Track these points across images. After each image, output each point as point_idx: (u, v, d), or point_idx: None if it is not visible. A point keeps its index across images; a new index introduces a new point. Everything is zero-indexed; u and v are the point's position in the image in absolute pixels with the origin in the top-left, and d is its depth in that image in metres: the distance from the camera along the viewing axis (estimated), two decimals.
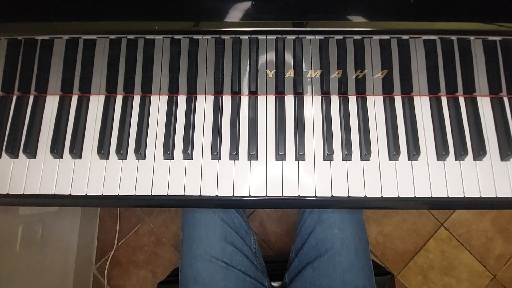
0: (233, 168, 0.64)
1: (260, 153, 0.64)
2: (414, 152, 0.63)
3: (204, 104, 0.67)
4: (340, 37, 0.54)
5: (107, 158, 0.65)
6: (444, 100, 0.67)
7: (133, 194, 0.63)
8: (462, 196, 0.62)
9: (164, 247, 1.43)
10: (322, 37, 0.54)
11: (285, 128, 0.65)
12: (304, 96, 0.67)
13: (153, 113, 0.67)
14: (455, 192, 0.62)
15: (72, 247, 1.25)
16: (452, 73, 0.61)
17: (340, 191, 0.62)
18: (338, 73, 0.61)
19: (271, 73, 0.62)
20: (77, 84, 0.66)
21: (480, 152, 0.63)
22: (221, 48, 0.57)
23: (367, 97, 0.67)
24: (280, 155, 0.63)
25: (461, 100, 0.67)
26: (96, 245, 1.43)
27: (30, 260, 1.00)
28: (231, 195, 0.63)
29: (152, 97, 0.68)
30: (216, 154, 0.63)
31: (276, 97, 0.67)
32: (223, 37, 0.55)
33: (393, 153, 0.63)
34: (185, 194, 0.63)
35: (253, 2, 0.52)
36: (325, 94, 0.67)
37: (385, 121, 0.66)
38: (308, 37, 0.55)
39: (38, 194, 0.63)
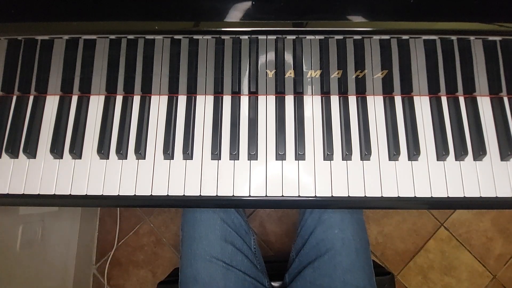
0: (233, 168, 0.64)
1: (260, 153, 0.64)
2: (414, 152, 0.63)
3: (204, 104, 0.67)
4: (340, 37, 0.54)
5: (107, 158, 0.65)
6: (444, 100, 0.67)
7: (133, 194, 0.63)
8: (462, 196, 0.62)
9: (164, 247, 1.43)
10: (322, 37, 0.54)
11: (285, 128, 0.65)
12: (304, 96, 0.67)
13: (153, 113, 0.67)
14: (455, 192, 0.62)
15: (72, 247, 1.25)
16: (452, 73, 0.61)
17: (340, 191, 0.62)
18: (338, 73, 0.61)
19: (271, 73, 0.62)
20: (77, 84, 0.66)
21: (480, 152, 0.63)
22: (221, 48, 0.57)
23: (367, 97, 0.67)
24: (280, 155, 0.63)
25: (461, 100, 0.67)
26: (96, 245, 1.43)
27: (30, 260, 1.00)
28: (231, 195, 0.63)
29: (152, 97, 0.68)
30: (216, 154, 0.63)
31: (276, 97, 0.67)
32: (223, 37, 0.55)
33: (393, 153, 0.63)
34: (185, 194, 0.63)
35: (253, 2, 0.52)
36: (325, 94, 0.67)
37: (385, 121, 0.66)
38: (308, 37, 0.55)
39: (38, 194, 0.63)
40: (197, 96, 0.68)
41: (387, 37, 0.54)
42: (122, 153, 0.64)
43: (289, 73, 0.62)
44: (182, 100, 0.67)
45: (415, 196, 0.62)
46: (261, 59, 0.59)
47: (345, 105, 0.66)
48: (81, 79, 0.64)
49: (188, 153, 0.63)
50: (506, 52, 0.56)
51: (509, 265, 1.41)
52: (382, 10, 0.52)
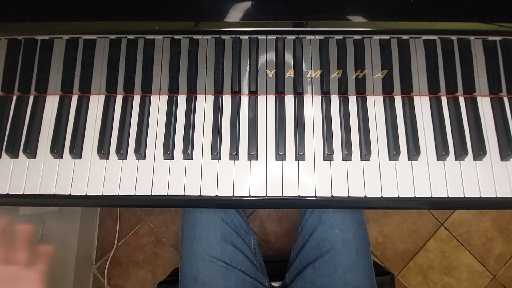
0: (233, 168, 0.64)
1: (260, 153, 0.64)
2: (414, 152, 0.63)
3: (204, 104, 0.67)
4: (340, 37, 0.54)
5: (107, 158, 0.65)
6: (444, 100, 0.67)
7: (133, 194, 0.63)
8: (462, 196, 0.62)
9: (164, 247, 1.43)
10: (322, 37, 0.54)
11: (285, 128, 0.65)
12: (304, 96, 0.67)
13: (153, 113, 0.67)
14: (455, 192, 0.62)
15: (72, 247, 1.25)
16: (452, 73, 0.61)
17: (340, 191, 0.62)
18: (338, 73, 0.61)
19: (271, 73, 0.62)
20: (77, 84, 0.66)
21: (480, 152, 0.63)
22: (221, 48, 0.57)
23: (367, 97, 0.67)
24: (280, 155, 0.63)
25: (461, 100, 0.67)
26: (96, 245, 1.43)
27: None
28: (231, 195, 0.63)
29: (152, 97, 0.68)
30: (216, 154, 0.63)
31: (276, 97, 0.67)
32: (223, 37, 0.54)
33: (393, 153, 0.63)
34: (185, 194, 0.63)
35: (253, 2, 0.52)
36: (325, 94, 0.67)
37: (385, 121, 0.66)
38: (308, 37, 0.55)
39: (38, 194, 0.63)
40: (197, 96, 0.68)
41: (387, 37, 0.54)
42: (122, 153, 0.64)
43: (289, 73, 0.62)
44: (182, 100, 0.67)
45: (415, 196, 0.62)
46: (261, 59, 0.59)
47: (345, 105, 0.66)
48: (81, 79, 0.64)
49: (188, 153, 0.63)
50: (506, 52, 0.56)
51: (509, 265, 1.41)
52: (382, 10, 0.52)
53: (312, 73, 0.61)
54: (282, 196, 0.62)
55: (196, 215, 0.74)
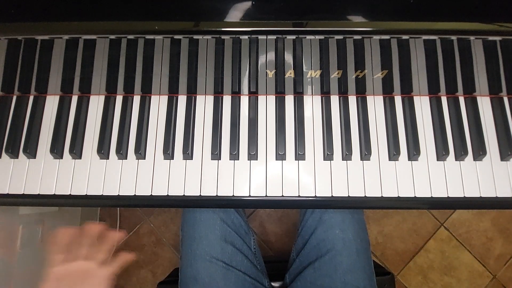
0: (233, 168, 0.64)
1: (260, 153, 0.64)
2: (414, 152, 0.63)
3: (204, 104, 0.67)
4: (340, 37, 0.54)
5: (107, 158, 0.65)
6: (444, 100, 0.67)
7: (133, 194, 0.63)
8: (462, 196, 0.62)
9: (164, 247, 1.43)
10: (322, 37, 0.54)
11: (285, 128, 0.65)
12: (304, 96, 0.67)
13: (153, 113, 0.67)
14: (455, 192, 0.62)
15: None
16: (452, 73, 0.61)
17: (340, 191, 0.62)
18: (338, 73, 0.61)
19: (271, 73, 0.62)
20: (77, 84, 0.66)
21: (480, 152, 0.63)
22: (221, 48, 0.57)
23: (367, 97, 0.67)
24: (280, 155, 0.63)
25: (461, 100, 0.67)
26: None
27: (30, 260, 1.00)
28: (231, 195, 0.63)
29: (152, 97, 0.68)
30: (216, 154, 0.63)
31: (276, 97, 0.67)
32: (223, 37, 0.55)
33: (393, 153, 0.63)
34: (185, 194, 0.63)
35: (253, 2, 0.52)
36: (325, 94, 0.67)
37: (385, 121, 0.66)
38: (308, 37, 0.55)
39: (38, 194, 0.63)
40: (197, 96, 0.68)
41: (387, 37, 0.54)
42: (122, 153, 0.64)
43: (289, 73, 0.62)
44: (182, 100, 0.67)
45: (415, 196, 0.62)
46: (261, 59, 0.59)
47: (345, 105, 0.66)
48: (81, 79, 0.64)
49: (188, 153, 0.63)
50: (506, 52, 0.56)
51: (509, 265, 1.41)
52: (382, 10, 0.52)
53: (312, 73, 0.61)
54: (282, 196, 0.62)
55: (196, 215, 0.74)
